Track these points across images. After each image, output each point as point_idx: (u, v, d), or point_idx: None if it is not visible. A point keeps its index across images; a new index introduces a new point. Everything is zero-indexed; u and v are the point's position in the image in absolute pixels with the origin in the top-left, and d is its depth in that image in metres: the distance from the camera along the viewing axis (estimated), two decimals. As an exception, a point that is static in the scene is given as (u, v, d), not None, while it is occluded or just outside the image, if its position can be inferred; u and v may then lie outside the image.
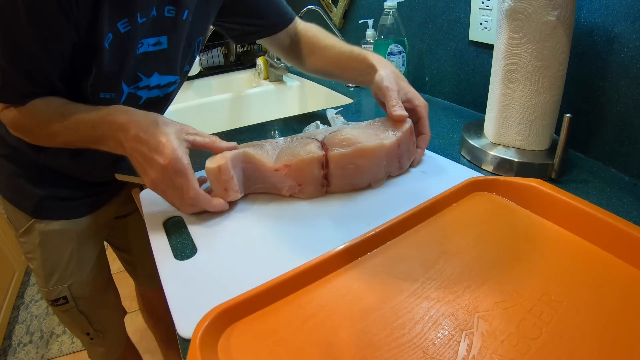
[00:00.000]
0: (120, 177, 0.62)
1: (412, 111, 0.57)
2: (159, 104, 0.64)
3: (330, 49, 0.70)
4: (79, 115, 0.49)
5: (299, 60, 0.76)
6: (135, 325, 1.56)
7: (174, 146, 0.45)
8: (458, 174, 0.56)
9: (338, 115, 0.72)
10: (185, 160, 0.46)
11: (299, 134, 0.58)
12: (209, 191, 0.50)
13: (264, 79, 1.39)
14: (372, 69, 0.60)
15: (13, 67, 0.48)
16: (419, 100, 0.58)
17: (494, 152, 0.57)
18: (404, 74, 0.91)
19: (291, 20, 0.72)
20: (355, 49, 0.67)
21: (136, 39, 0.53)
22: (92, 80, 0.52)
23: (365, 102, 0.98)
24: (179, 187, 0.46)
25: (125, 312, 0.89)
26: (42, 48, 0.47)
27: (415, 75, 1.00)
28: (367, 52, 0.64)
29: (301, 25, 0.74)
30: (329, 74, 0.73)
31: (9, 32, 0.45)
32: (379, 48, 0.89)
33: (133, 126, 0.46)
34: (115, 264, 1.99)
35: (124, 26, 0.50)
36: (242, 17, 0.69)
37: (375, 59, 0.62)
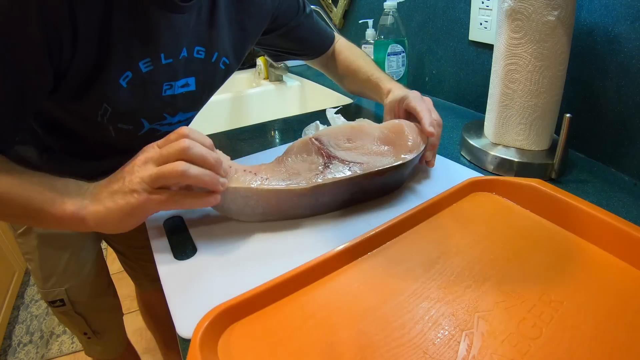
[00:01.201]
0: None
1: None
2: None
3: (356, 74, 0.73)
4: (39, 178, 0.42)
5: (337, 80, 0.79)
6: (135, 325, 1.56)
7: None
8: (458, 174, 0.56)
9: (338, 115, 0.72)
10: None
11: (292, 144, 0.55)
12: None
13: (264, 79, 1.39)
14: (386, 91, 0.65)
15: None
16: (436, 114, 0.58)
17: (494, 152, 0.57)
18: (404, 74, 0.91)
19: (330, 44, 0.75)
20: (373, 75, 0.69)
21: (159, 80, 0.50)
22: (109, 115, 0.49)
23: (365, 102, 0.98)
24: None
25: (122, 314, 0.88)
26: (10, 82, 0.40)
27: (415, 75, 1.00)
28: (380, 79, 0.68)
29: (337, 44, 0.77)
30: (363, 95, 0.77)
31: None
32: (379, 48, 0.89)
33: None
34: (115, 264, 1.99)
35: (146, 66, 0.48)
36: (282, 44, 0.70)
37: (387, 84, 0.66)
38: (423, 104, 0.56)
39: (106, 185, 0.42)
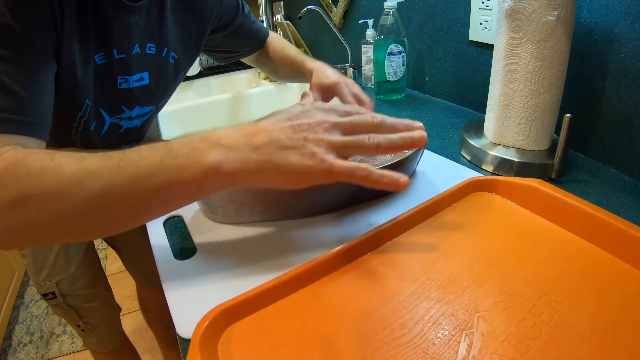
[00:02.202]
0: None
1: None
2: (138, 133, 0.67)
3: (284, 60, 0.77)
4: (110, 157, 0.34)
5: (270, 71, 0.83)
6: (135, 325, 1.56)
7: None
8: (458, 174, 0.56)
9: None
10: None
11: None
12: None
13: (264, 79, 1.39)
14: (309, 71, 0.67)
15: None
16: (364, 96, 0.60)
17: (494, 152, 0.57)
18: (404, 74, 0.92)
19: (265, 39, 0.79)
20: (297, 57, 0.74)
21: (113, 73, 0.53)
22: (82, 111, 0.52)
23: (365, 102, 0.98)
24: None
25: (119, 309, 0.90)
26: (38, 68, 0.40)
27: (415, 75, 1.00)
28: (304, 60, 0.71)
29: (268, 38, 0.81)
30: (294, 80, 0.81)
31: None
32: (379, 48, 0.89)
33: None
34: (115, 264, 1.99)
35: (100, 59, 0.51)
36: (228, 44, 0.75)
37: (310, 64, 0.69)
38: (349, 95, 0.59)
39: (248, 137, 0.33)
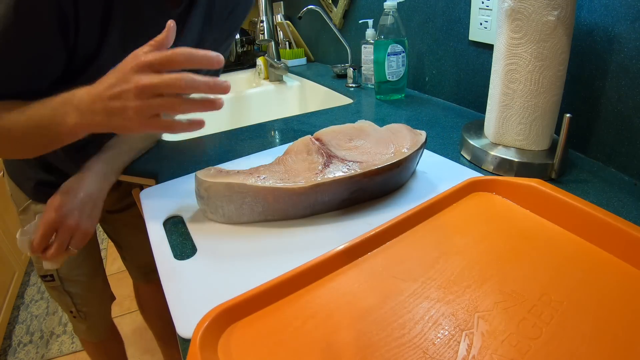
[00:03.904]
0: (132, 179, 0.63)
1: None
2: None
3: None
4: (37, 102, 0.47)
5: None
6: (135, 324, 1.56)
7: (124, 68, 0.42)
8: (458, 174, 0.56)
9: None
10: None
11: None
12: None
13: (264, 79, 1.39)
14: None
15: None
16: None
17: (494, 152, 0.57)
18: (404, 74, 0.92)
19: None
20: None
21: None
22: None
23: (365, 102, 0.98)
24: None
25: (113, 299, 0.94)
26: (28, 61, 0.47)
27: (415, 75, 1.00)
28: None
29: None
30: None
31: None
32: (379, 48, 0.89)
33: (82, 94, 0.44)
34: (115, 264, 1.99)
35: None
36: None
37: None
38: None
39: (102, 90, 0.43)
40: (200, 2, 0.59)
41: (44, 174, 0.71)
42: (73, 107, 0.44)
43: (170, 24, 0.42)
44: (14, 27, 0.44)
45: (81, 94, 0.43)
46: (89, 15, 0.48)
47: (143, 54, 0.40)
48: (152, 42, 0.42)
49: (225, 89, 0.41)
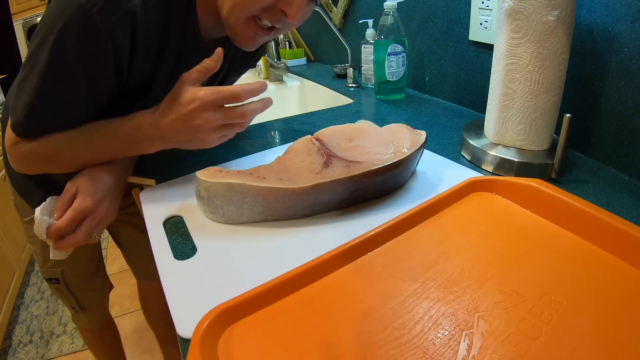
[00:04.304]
0: (132, 179, 0.62)
1: None
2: None
3: None
4: (101, 128, 0.53)
5: None
6: (135, 325, 1.56)
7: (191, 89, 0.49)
8: (458, 174, 0.56)
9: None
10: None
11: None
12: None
13: (264, 79, 1.39)
14: None
15: (46, 104, 0.49)
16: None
17: (494, 152, 0.57)
18: (404, 74, 0.92)
19: None
20: None
21: None
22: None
23: (365, 102, 0.98)
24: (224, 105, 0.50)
25: (111, 288, 1.00)
26: (83, 93, 0.50)
27: (415, 75, 1.00)
28: None
29: None
30: None
31: (52, 71, 0.47)
32: (379, 48, 0.89)
33: (151, 116, 0.51)
34: (115, 264, 1.99)
35: None
36: None
37: None
38: None
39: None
40: (230, 59, 0.66)
41: (51, 191, 0.72)
42: (155, 137, 0.52)
43: (219, 51, 0.50)
44: (74, 74, 0.47)
45: (163, 125, 0.50)
46: (143, 61, 0.52)
47: (205, 94, 0.48)
48: (200, 67, 0.50)
49: (264, 88, 0.50)
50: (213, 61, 0.50)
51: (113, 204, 0.57)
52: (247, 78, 1.47)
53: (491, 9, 0.72)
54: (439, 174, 0.56)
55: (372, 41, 1.02)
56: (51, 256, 0.54)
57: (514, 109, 0.55)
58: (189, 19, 0.54)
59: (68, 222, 0.51)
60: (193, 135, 0.50)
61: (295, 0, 0.49)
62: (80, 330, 1.04)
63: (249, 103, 0.51)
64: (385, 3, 0.86)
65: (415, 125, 0.60)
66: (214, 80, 0.67)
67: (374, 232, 0.41)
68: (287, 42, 1.57)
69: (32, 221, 0.75)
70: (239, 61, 0.71)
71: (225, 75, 0.71)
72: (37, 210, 0.51)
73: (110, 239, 0.96)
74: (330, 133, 0.56)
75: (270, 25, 0.53)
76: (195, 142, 0.51)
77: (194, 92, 0.48)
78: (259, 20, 0.52)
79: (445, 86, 0.91)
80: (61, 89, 0.48)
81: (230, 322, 0.34)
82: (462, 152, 0.64)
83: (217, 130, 0.50)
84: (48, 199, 0.54)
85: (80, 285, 0.87)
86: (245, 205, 0.46)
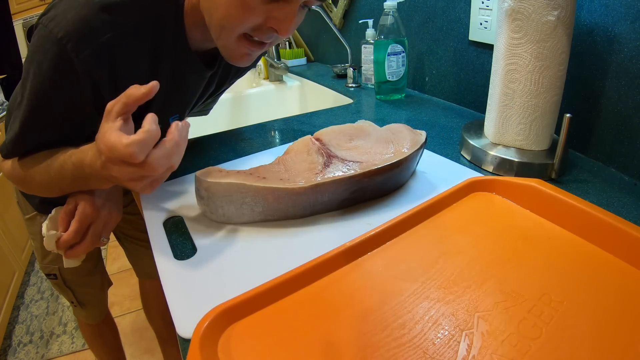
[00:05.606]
0: None
1: None
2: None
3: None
4: (55, 160, 0.49)
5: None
6: (135, 325, 1.56)
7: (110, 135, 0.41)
8: (458, 174, 0.56)
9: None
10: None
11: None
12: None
13: (264, 79, 1.39)
14: None
15: (33, 132, 0.50)
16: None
17: (494, 152, 0.57)
18: (404, 74, 0.92)
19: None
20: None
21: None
22: None
23: (365, 102, 0.98)
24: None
25: (110, 284, 1.01)
26: (64, 122, 0.50)
27: (415, 75, 1.00)
28: None
29: None
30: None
31: (35, 105, 0.47)
32: (379, 48, 0.89)
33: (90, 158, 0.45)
34: (115, 264, 1.99)
35: (174, 119, 0.57)
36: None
37: None
38: None
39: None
40: (225, 65, 0.65)
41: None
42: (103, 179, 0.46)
43: (155, 85, 0.40)
44: (51, 100, 0.47)
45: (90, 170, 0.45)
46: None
47: (106, 148, 0.39)
48: (124, 98, 0.40)
49: (186, 128, 0.42)
50: (141, 94, 0.40)
51: (115, 205, 0.57)
52: (247, 78, 1.47)
53: (491, 9, 0.72)
54: (439, 174, 0.56)
55: (372, 41, 1.02)
56: (65, 265, 0.55)
57: (514, 109, 0.55)
58: (178, 37, 0.53)
59: (74, 234, 0.51)
60: (121, 183, 0.43)
61: (284, 17, 0.47)
62: (80, 325, 1.06)
63: (153, 150, 0.39)
64: (385, 3, 0.86)
65: (415, 125, 0.60)
66: (212, 81, 0.66)
67: (374, 232, 0.41)
68: (287, 42, 1.57)
69: (33, 218, 0.78)
70: (235, 67, 0.71)
71: (222, 82, 0.70)
72: (44, 225, 0.52)
73: (112, 237, 0.97)
74: (330, 133, 0.56)
75: (261, 40, 0.52)
76: (129, 188, 0.44)
77: (104, 140, 0.39)
78: (250, 37, 0.50)
79: (445, 86, 0.91)
80: (43, 117, 0.49)
81: (230, 322, 0.34)
82: (462, 152, 0.64)
83: (140, 180, 0.41)
84: (53, 211, 0.54)
85: (78, 281, 0.89)
86: (245, 205, 0.46)
